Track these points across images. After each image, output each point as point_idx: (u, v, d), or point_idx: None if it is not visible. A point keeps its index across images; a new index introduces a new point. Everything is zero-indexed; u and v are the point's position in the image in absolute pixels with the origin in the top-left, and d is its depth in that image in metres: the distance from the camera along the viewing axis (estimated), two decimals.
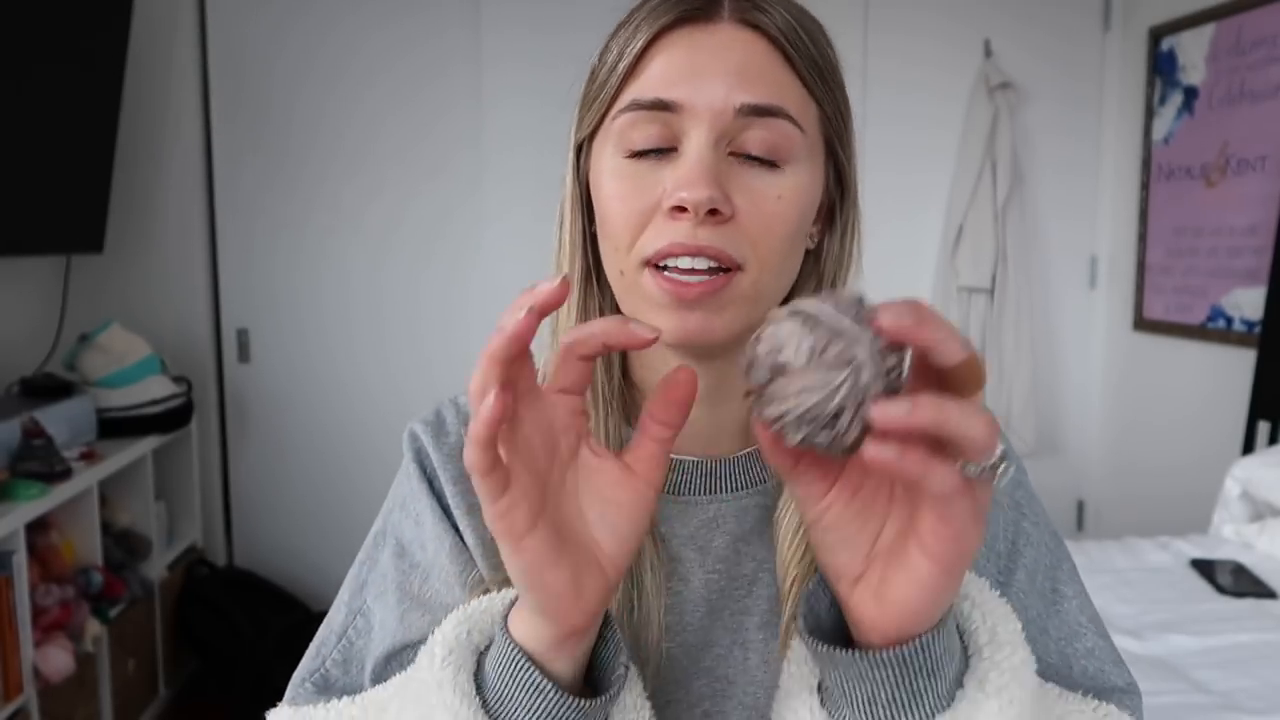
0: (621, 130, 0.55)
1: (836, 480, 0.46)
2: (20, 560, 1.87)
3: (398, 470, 0.65)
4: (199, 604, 2.68)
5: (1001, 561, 0.62)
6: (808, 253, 0.59)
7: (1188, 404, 2.87)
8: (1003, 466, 0.40)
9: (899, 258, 3.08)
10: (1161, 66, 2.95)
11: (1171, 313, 2.92)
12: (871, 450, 0.39)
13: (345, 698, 0.58)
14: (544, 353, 0.52)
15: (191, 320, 2.89)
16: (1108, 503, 3.25)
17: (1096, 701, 0.57)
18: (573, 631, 0.46)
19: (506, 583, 0.56)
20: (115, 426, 2.44)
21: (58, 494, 2.02)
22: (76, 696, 2.08)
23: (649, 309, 0.54)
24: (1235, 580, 1.91)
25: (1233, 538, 2.18)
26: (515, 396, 0.42)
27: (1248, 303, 2.62)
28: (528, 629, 0.47)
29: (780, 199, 0.53)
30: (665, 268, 0.53)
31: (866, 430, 0.40)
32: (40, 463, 2.02)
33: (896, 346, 0.40)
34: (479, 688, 0.48)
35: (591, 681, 0.51)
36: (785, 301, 0.52)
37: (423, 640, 0.54)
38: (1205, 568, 1.97)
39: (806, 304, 0.42)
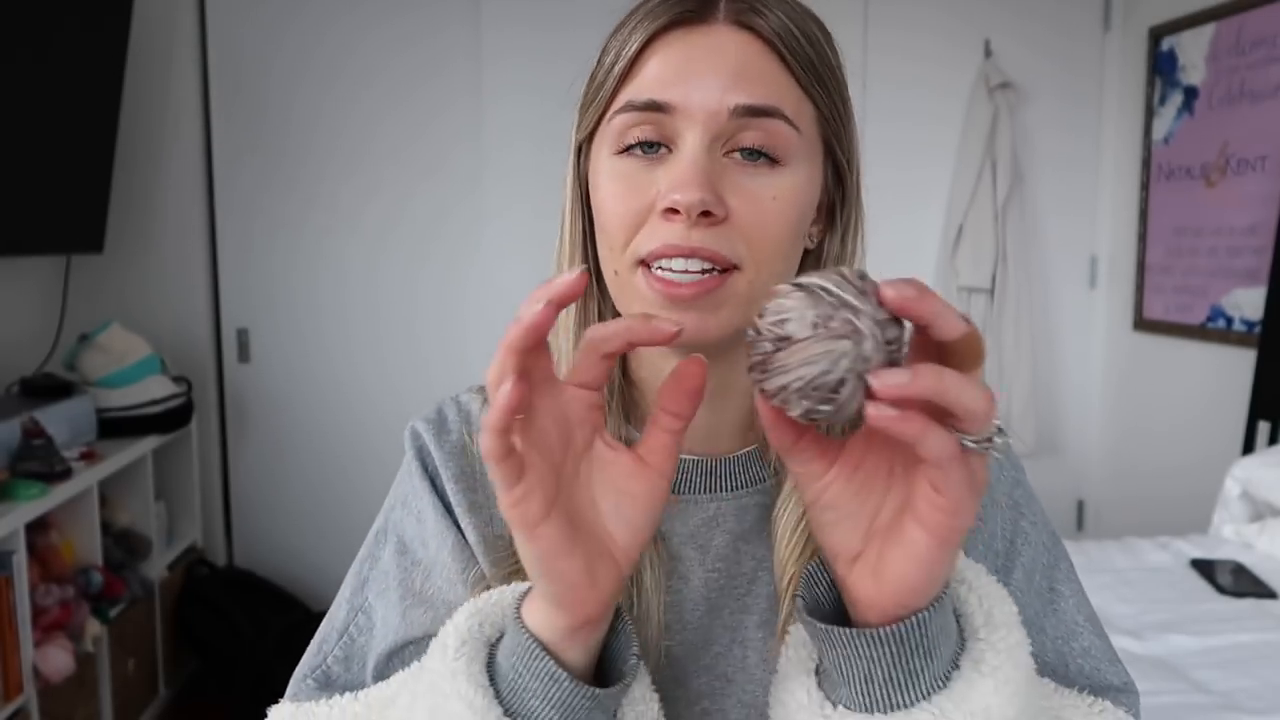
0: (617, 131, 0.55)
1: (836, 459, 0.47)
2: (20, 560, 1.87)
3: (398, 469, 0.66)
4: (199, 604, 2.68)
5: (999, 560, 0.63)
6: (807, 252, 0.60)
7: (1188, 404, 2.87)
8: (999, 439, 0.41)
9: (899, 257, 3.07)
10: (1161, 66, 2.95)
11: (1171, 313, 2.92)
12: (872, 410, 0.39)
13: (348, 694, 0.58)
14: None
15: (191, 320, 2.89)
16: (1108, 503, 3.24)
17: (1092, 698, 0.57)
18: (586, 621, 0.46)
19: (507, 580, 0.56)
20: (115, 426, 2.44)
21: (58, 494, 2.02)
22: (76, 696, 2.08)
23: (642, 309, 0.54)
24: (1235, 580, 1.91)
25: (1233, 538, 2.18)
26: (531, 386, 0.43)
27: (1248, 303, 2.62)
28: (541, 619, 0.47)
29: (776, 199, 0.53)
30: (658, 268, 0.53)
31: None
32: (40, 463, 2.03)
33: (897, 321, 0.41)
34: (492, 679, 0.49)
35: (600, 674, 0.51)
36: None
37: (424, 637, 0.54)
38: (1205, 568, 1.97)
39: (811, 278, 0.43)
